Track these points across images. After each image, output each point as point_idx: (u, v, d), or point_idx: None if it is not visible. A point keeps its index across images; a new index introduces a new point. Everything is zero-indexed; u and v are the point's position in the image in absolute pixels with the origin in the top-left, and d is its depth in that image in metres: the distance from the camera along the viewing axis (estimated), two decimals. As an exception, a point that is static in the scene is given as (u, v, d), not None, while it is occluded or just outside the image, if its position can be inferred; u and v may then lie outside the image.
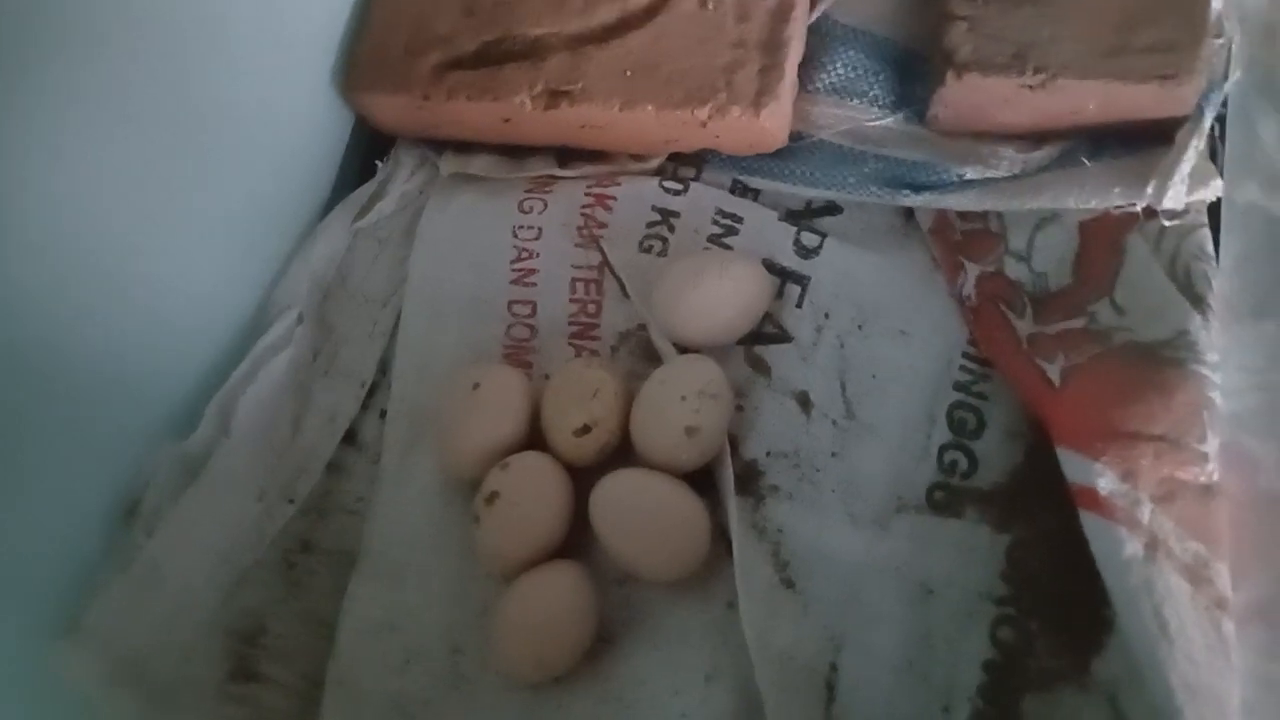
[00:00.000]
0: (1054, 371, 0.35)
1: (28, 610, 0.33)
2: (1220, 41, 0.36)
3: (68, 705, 0.33)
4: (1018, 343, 0.36)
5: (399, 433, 0.39)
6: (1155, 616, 0.30)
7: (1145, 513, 0.31)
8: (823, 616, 0.35)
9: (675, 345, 0.39)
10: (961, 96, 0.37)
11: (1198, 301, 0.34)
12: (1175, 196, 0.35)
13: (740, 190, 0.41)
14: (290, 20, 0.40)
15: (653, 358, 0.39)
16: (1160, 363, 0.33)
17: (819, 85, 0.40)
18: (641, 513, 0.35)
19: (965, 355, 0.38)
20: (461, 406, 0.37)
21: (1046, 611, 0.34)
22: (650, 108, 0.38)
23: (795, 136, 0.40)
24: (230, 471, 0.37)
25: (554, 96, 0.39)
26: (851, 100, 0.40)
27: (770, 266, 0.39)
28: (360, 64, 0.41)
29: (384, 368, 0.41)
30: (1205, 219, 0.36)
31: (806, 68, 0.40)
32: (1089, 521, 0.32)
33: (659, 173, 0.41)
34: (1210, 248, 0.35)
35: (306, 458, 0.39)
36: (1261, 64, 0.40)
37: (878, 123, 0.39)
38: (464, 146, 0.43)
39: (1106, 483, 0.32)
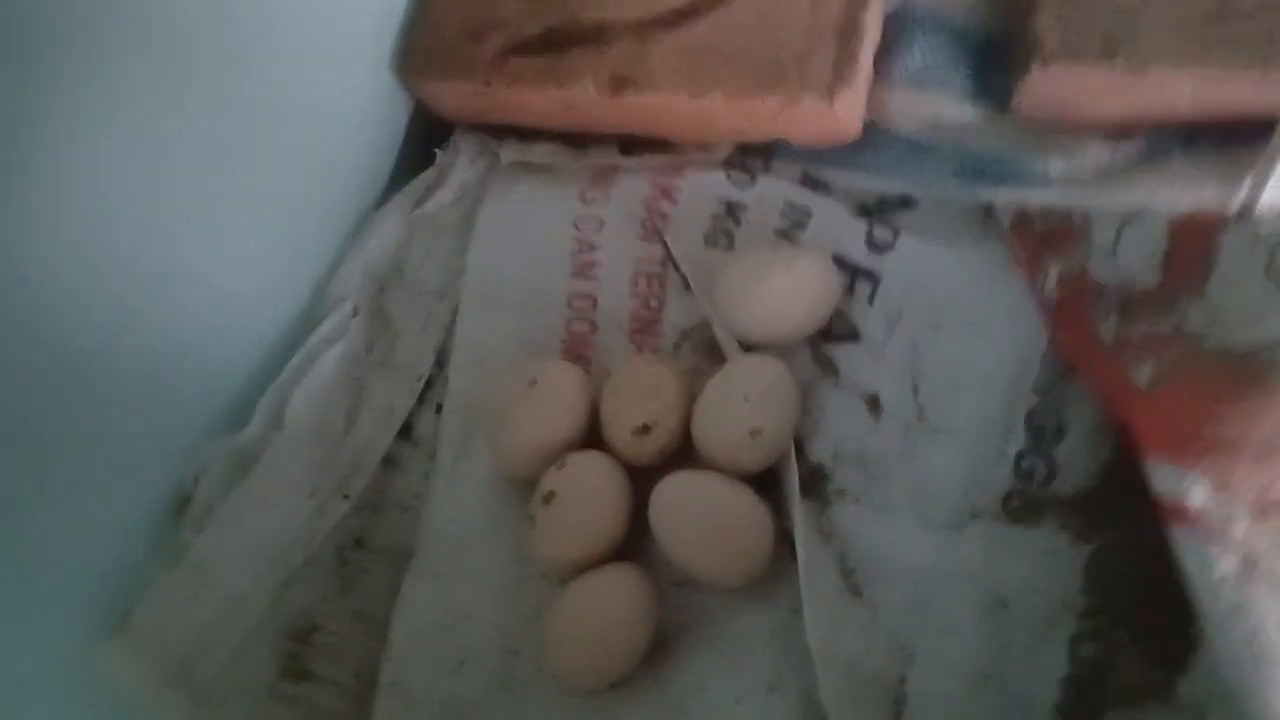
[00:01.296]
0: (1141, 376, 0.33)
1: (76, 609, 0.32)
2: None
3: (116, 705, 0.33)
4: (1101, 346, 0.34)
5: (455, 428, 0.39)
6: (1250, 641, 0.28)
7: (1240, 528, 0.29)
8: (892, 626, 0.34)
9: (740, 343, 0.37)
10: (1047, 87, 0.35)
11: (1298, 303, 0.32)
12: (1274, 194, 0.34)
13: (810, 182, 0.40)
14: (347, 5, 0.39)
15: (716, 355, 0.38)
16: (1259, 367, 0.31)
17: (896, 74, 0.38)
18: (702, 516, 0.34)
19: (1045, 357, 0.36)
20: (518, 403, 0.36)
21: (1130, 627, 0.32)
22: (719, 96, 0.37)
23: (870, 127, 0.38)
24: (282, 467, 0.37)
25: (619, 83, 0.38)
26: (930, 90, 0.38)
27: (840, 262, 0.38)
28: (419, 49, 0.41)
29: (441, 361, 0.40)
30: (1307, 217, 0.34)
31: (883, 56, 0.38)
32: (1179, 537, 0.30)
33: (726, 163, 0.40)
34: (1312, 247, 0.33)
35: (361, 453, 0.38)
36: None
37: (957, 113, 0.38)
38: (525, 134, 0.42)
39: (1199, 494, 0.30)
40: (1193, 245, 0.35)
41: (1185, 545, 0.30)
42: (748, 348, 0.37)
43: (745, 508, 0.34)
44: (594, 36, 0.39)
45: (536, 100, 0.39)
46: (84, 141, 0.30)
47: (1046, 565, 0.34)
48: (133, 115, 0.31)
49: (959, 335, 0.37)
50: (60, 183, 0.30)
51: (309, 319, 0.40)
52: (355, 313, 0.40)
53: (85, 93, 0.29)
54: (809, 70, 0.36)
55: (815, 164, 0.39)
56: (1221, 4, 0.34)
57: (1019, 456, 0.35)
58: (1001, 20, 0.39)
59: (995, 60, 0.38)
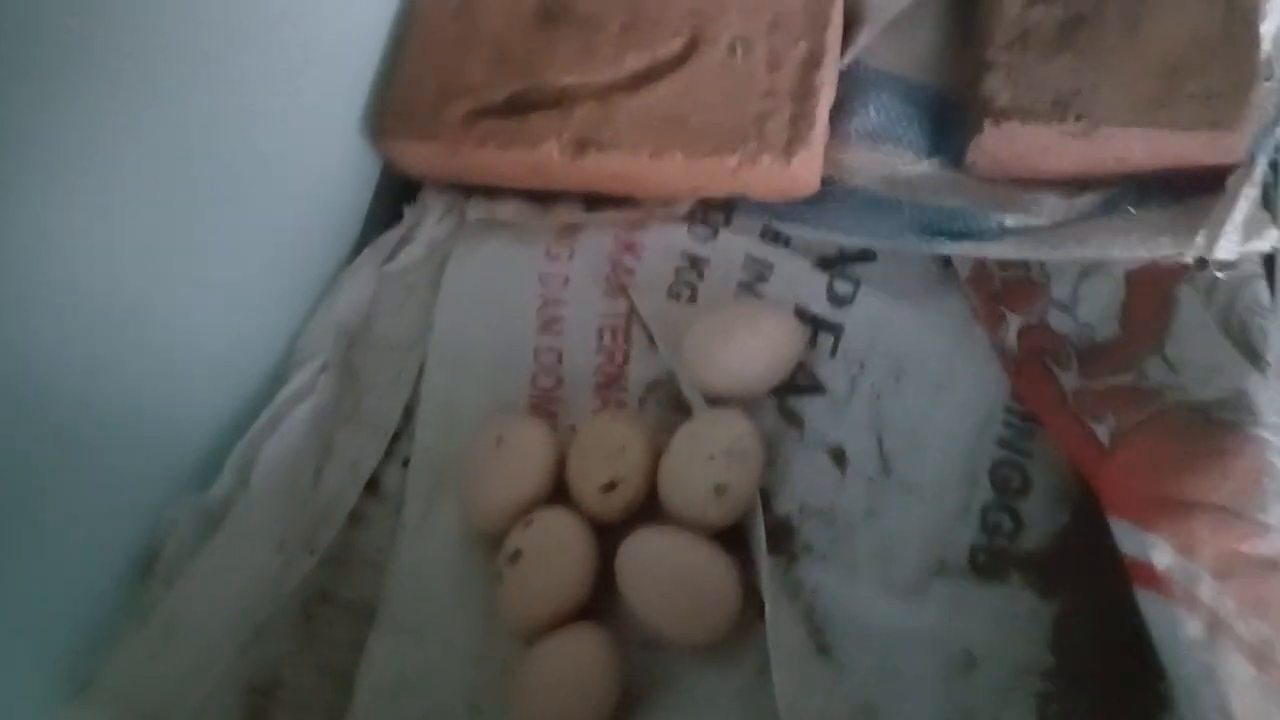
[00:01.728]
0: (1103, 433, 0.33)
1: (42, 668, 0.32)
2: (1270, 84, 0.35)
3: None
4: (1063, 399, 0.35)
5: (421, 483, 0.39)
6: (1219, 706, 0.28)
7: (1205, 590, 0.29)
8: (858, 686, 0.33)
9: (705, 397, 0.38)
10: (1000, 144, 0.36)
11: (1255, 358, 0.32)
12: (1227, 247, 0.34)
13: (771, 236, 0.40)
14: (321, 67, 0.40)
15: (682, 408, 0.38)
16: (1217, 425, 0.31)
17: (852, 131, 0.39)
18: (668, 575, 0.34)
19: (1008, 410, 0.36)
20: (485, 461, 0.37)
21: (1097, 687, 0.32)
22: (679, 156, 0.38)
23: (828, 182, 0.39)
24: (250, 523, 0.37)
25: (583, 145, 0.38)
26: (885, 146, 0.39)
27: (802, 314, 0.38)
28: (390, 111, 0.41)
29: (409, 414, 0.41)
30: (1261, 270, 0.34)
31: (839, 113, 0.39)
32: (1145, 599, 0.30)
33: (688, 218, 0.41)
34: (1266, 300, 0.34)
35: (328, 507, 0.38)
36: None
37: (913, 168, 0.38)
38: (492, 191, 0.42)
39: (1163, 556, 0.30)
40: (1150, 297, 0.35)
41: (1152, 609, 0.30)
42: (713, 401, 0.37)
43: (711, 566, 0.34)
44: (558, 100, 0.39)
45: (503, 162, 0.40)
46: (55, 201, 0.30)
47: (1013, 624, 0.33)
48: (104, 174, 0.32)
49: (922, 387, 0.37)
50: (30, 241, 0.30)
51: (278, 374, 0.40)
52: (324, 368, 0.40)
53: (56, 153, 0.30)
54: (766, 130, 0.37)
55: (776, 218, 0.40)
56: (1169, 65, 0.35)
57: (984, 509, 0.35)
58: (954, 77, 0.39)
59: (949, 116, 0.39)
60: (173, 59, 0.33)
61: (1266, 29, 0.35)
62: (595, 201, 0.42)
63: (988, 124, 0.35)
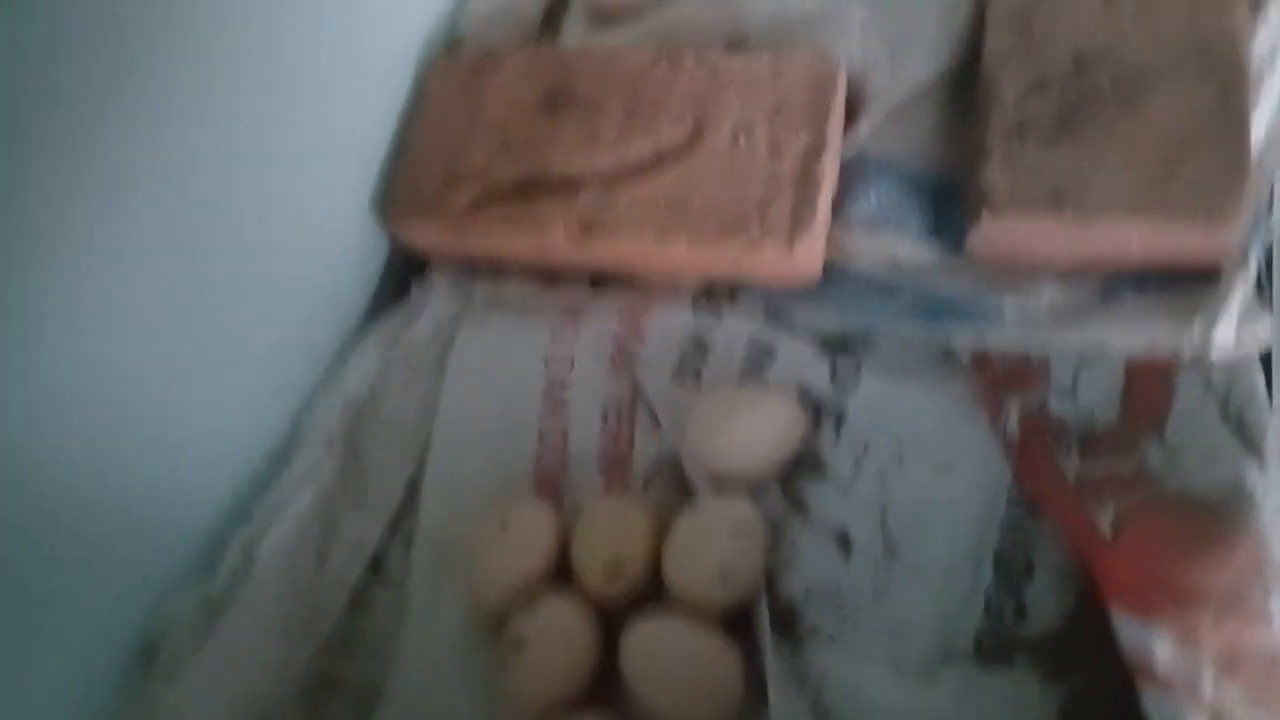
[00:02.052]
0: (1104, 520, 0.33)
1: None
2: (1263, 176, 0.36)
3: None
4: (1064, 484, 0.35)
5: (425, 566, 0.39)
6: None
7: (1207, 683, 0.29)
8: (866, 777, 0.33)
9: (710, 480, 0.38)
10: (998, 233, 0.37)
11: (1254, 449, 0.33)
12: (1224, 337, 0.34)
13: (775, 317, 0.41)
14: (333, 150, 0.41)
15: (687, 490, 0.38)
16: (1216, 516, 0.32)
17: (853, 217, 0.40)
18: (673, 664, 0.34)
19: (1010, 494, 0.36)
20: (488, 546, 0.37)
21: (1105, 776, 0.32)
22: (683, 242, 0.38)
23: (830, 266, 0.40)
24: (253, 613, 0.36)
25: (588, 229, 0.39)
26: (886, 231, 0.40)
27: (805, 396, 0.39)
28: (398, 193, 0.42)
29: (413, 491, 0.41)
30: (1257, 359, 0.35)
31: (840, 199, 0.40)
32: (1147, 694, 0.30)
33: (693, 300, 0.41)
34: (1263, 389, 0.34)
35: (331, 591, 0.38)
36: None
37: (914, 253, 0.39)
38: (498, 270, 0.43)
39: (1164, 649, 0.30)
40: (1149, 385, 0.36)
41: (1155, 703, 0.30)
42: (717, 484, 0.38)
43: (715, 655, 0.34)
44: (564, 186, 0.40)
45: (509, 244, 0.41)
46: (60, 284, 0.30)
47: (1021, 709, 0.33)
48: (109, 253, 0.32)
49: (925, 470, 0.37)
50: (35, 323, 0.30)
51: (283, 454, 0.40)
52: (329, 449, 0.40)
53: (62, 231, 0.30)
54: (769, 218, 0.38)
55: (779, 299, 0.40)
56: (1164, 157, 0.35)
57: (989, 594, 0.35)
58: (954, 162, 0.40)
59: (949, 200, 0.40)
60: (183, 143, 0.34)
61: (1258, 118, 0.36)
62: (601, 281, 0.42)
63: (986, 215, 0.36)
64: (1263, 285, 0.36)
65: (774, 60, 0.40)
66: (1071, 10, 0.38)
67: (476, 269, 0.44)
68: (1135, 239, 0.35)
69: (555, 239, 0.39)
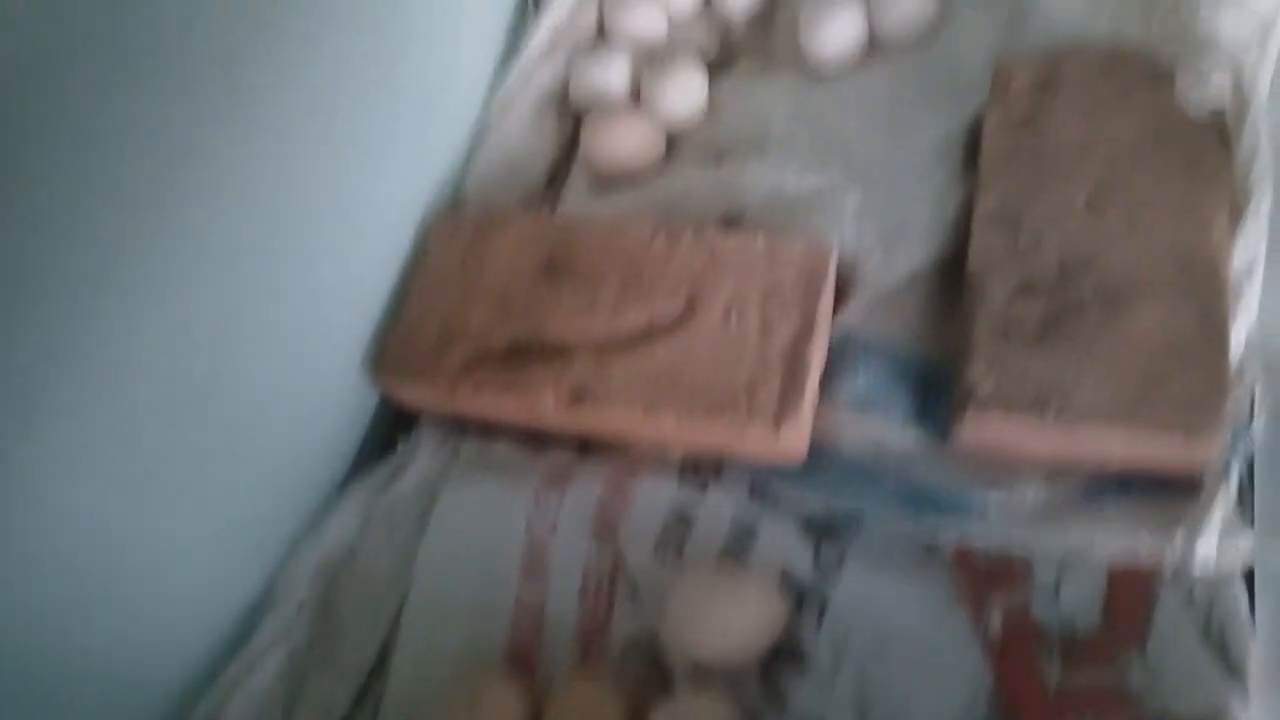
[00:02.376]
0: (1085, 738, 0.33)
1: None
2: (1243, 389, 0.37)
3: None
4: (1045, 695, 0.34)
5: (392, 737, 0.38)
6: None
7: None
8: None
9: (688, 663, 0.37)
10: (983, 430, 0.37)
11: (1236, 673, 0.32)
12: (1205, 552, 0.34)
13: (759, 494, 0.40)
14: (328, 307, 0.41)
15: (662, 668, 0.38)
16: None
17: (841, 396, 0.40)
18: None
19: (990, 696, 0.35)
20: (456, 725, 0.36)
21: None
22: (671, 416, 0.38)
23: (816, 447, 0.40)
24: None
25: (578, 397, 0.39)
26: (873, 414, 0.40)
27: (788, 579, 0.38)
28: (392, 351, 0.42)
29: (385, 652, 0.40)
30: (1239, 576, 0.35)
31: (828, 379, 0.40)
32: None
33: (679, 472, 0.41)
34: (1245, 607, 0.34)
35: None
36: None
37: (899, 437, 0.39)
38: (487, 429, 0.43)
39: None
40: (1131, 594, 0.35)
41: None
42: (696, 671, 0.37)
43: None
44: (556, 353, 0.41)
45: (499, 406, 0.41)
46: (32, 442, 0.29)
47: None
48: (91, 411, 0.31)
49: (905, 668, 0.36)
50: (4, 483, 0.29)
51: (256, 613, 0.39)
52: (301, 609, 0.40)
53: (39, 399, 0.29)
54: (757, 398, 0.38)
55: (764, 476, 0.40)
56: (1146, 367, 0.36)
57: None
58: (942, 348, 0.41)
59: (936, 386, 0.40)
60: (177, 304, 0.34)
61: (1237, 331, 0.37)
62: (589, 447, 0.43)
63: (970, 412, 0.36)
64: (1244, 499, 0.36)
65: (768, 243, 0.41)
66: (1058, 214, 0.39)
67: (465, 427, 0.44)
68: (1117, 447, 0.36)
69: (545, 405, 0.40)
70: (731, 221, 0.46)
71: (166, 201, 0.33)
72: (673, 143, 0.51)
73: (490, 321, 0.42)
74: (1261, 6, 0.42)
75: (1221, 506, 0.35)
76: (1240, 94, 0.40)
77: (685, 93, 0.50)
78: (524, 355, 0.41)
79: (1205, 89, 0.40)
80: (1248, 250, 0.38)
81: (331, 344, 0.42)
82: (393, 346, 0.43)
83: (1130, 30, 0.44)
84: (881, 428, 0.40)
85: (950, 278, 0.42)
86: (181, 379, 0.34)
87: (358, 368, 0.43)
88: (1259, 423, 0.37)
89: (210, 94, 0.34)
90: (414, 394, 0.43)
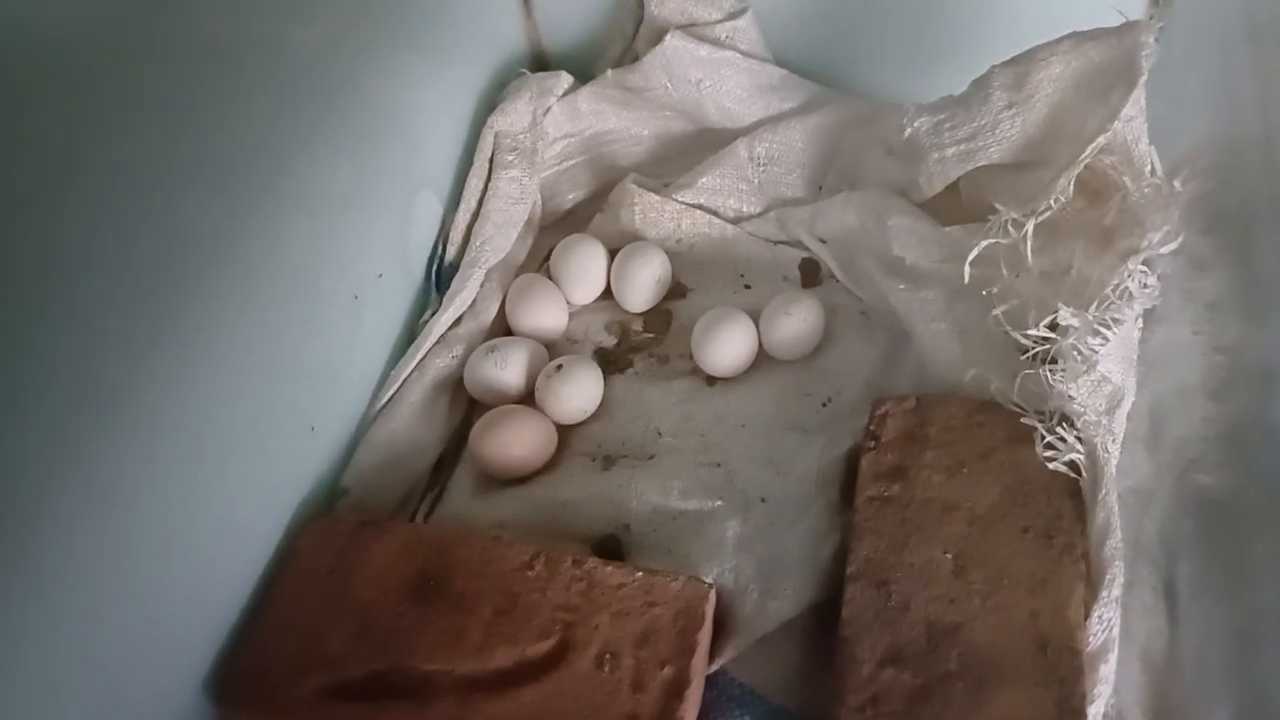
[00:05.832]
0: None
1: None
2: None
3: None
4: None
5: None
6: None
7: None
8: None
9: None
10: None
11: None
12: None
13: None
14: (167, 626, 0.37)
15: None
16: None
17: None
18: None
19: None
20: None
21: None
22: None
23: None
24: None
25: (435, 747, 0.37)
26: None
27: None
28: (238, 676, 0.39)
29: None
30: None
31: (701, 725, 0.39)
32: None
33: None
34: None
35: None
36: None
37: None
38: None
39: None
40: None
41: None
42: None
43: None
44: (418, 689, 0.38)
45: (350, 747, 0.38)
46: None
47: None
48: None
49: None
50: None
51: None
52: None
53: None
54: (625, 759, 0.36)
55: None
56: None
57: None
58: (814, 704, 0.40)
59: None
60: None
61: (1095, 710, 0.38)
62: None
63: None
64: None
65: (647, 579, 0.41)
66: (925, 575, 0.40)
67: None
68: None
69: (398, 753, 0.37)
70: (617, 532, 0.46)
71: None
72: (563, 435, 0.51)
73: (349, 647, 0.39)
74: (1114, 379, 0.44)
75: None
76: (1095, 465, 0.42)
77: (579, 395, 0.50)
78: (383, 691, 0.38)
79: (1062, 455, 0.42)
80: (1102, 627, 0.39)
81: (166, 666, 0.38)
82: (240, 671, 0.39)
83: (1001, 382, 0.45)
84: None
85: (825, 622, 0.42)
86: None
87: (198, 691, 0.39)
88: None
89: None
90: (258, 723, 0.39)
